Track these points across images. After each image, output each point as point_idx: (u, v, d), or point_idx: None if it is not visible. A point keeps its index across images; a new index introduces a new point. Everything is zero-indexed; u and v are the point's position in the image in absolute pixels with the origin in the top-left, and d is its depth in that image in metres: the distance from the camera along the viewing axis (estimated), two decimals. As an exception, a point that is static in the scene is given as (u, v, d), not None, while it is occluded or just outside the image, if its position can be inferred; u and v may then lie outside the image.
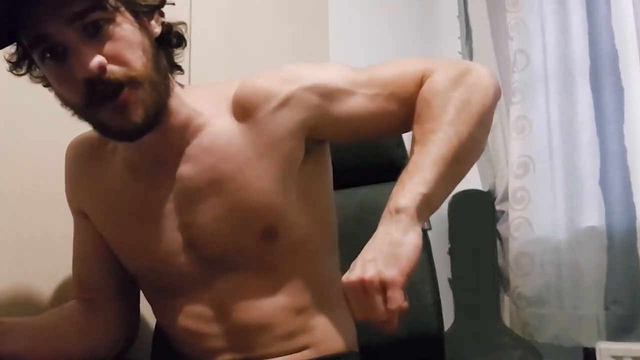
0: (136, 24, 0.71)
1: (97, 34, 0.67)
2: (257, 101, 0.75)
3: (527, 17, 1.82)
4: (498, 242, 1.85)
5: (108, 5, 0.67)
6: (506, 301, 1.82)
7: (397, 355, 0.97)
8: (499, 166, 1.88)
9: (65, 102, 0.72)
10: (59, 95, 0.72)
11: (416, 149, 0.71)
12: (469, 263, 1.81)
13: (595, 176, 1.65)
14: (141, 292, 0.91)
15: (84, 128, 1.41)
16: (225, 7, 1.54)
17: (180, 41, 0.78)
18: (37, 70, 0.73)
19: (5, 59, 0.74)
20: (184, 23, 0.79)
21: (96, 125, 0.72)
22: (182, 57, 0.79)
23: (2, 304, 1.23)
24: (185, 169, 0.77)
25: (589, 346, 1.62)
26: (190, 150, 0.77)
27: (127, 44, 0.69)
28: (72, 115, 0.73)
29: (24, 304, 1.25)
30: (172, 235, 0.78)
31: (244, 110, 0.76)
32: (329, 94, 0.76)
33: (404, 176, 0.69)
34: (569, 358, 1.70)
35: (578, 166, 1.68)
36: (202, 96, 0.80)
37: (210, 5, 1.50)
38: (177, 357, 0.86)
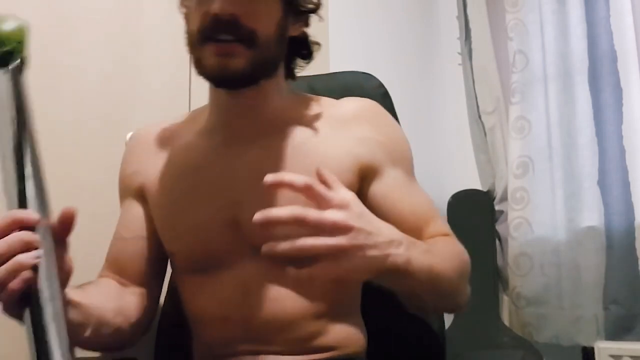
0: (281, 10, 0.77)
1: None
2: (363, 118, 0.83)
3: (527, 18, 1.82)
4: (497, 242, 1.85)
5: None
6: (505, 301, 1.83)
7: (398, 355, 0.97)
8: (499, 166, 1.88)
9: (187, 27, 0.79)
10: (186, 19, 0.80)
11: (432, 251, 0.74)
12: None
13: (594, 176, 1.66)
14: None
15: (85, 129, 1.40)
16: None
17: (305, 56, 0.86)
18: None
19: None
20: (319, 44, 0.87)
21: (195, 60, 0.77)
22: (302, 70, 0.88)
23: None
24: (261, 152, 0.81)
25: (587, 345, 1.63)
26: (273, 138, 0.82)
27: (265, 12, 0.76)
28: (186, 45, 0.80)
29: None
30: (224, 210, 0.80)
31: (351, 119, 0.83)
32: (394, 162, 0.83)
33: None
34: (568, 357, 1.70)
35: (577, 166, 1.69)
36: (306, 99, 0.88)
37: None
38: (180, 356, 0.86)
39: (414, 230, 0.78)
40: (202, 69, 0.77)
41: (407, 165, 0.85)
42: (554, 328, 1.68)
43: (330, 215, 0.59)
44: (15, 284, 0.54)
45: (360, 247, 0.60)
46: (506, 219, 1.80)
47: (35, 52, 1.31)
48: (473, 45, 1.97)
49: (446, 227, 0.84)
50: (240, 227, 0.78)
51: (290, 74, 0.86)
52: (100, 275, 0.86)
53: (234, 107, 0.82)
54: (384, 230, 0.65)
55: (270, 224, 0.59)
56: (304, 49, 0.85)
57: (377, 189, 0.81)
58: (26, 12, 1.30)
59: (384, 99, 1.06)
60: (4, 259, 0.55)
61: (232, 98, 0.81)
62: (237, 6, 0.73)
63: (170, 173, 0.85)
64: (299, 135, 0.82)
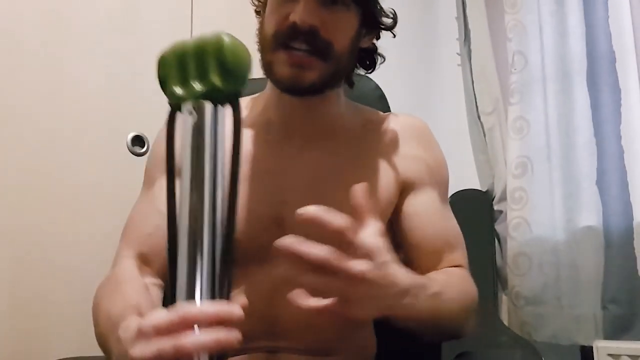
0: (357, 25, 0.79)
1: (330, 4, 0.74)
2: (414, 137, 0.85)
3: (525, 19, 1.83)
4: (496, 241, 1.86)
5: None
6: (504, 300, 1.83)
7: (397, 354, 0.98)
8: (497, 166, 1.89)
9: (261, 29, 0.79)
10: (263, 22, 0.79)
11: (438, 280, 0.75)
12: (468, 262, 1.81)
13: (593, 176, 1.67)
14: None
15: (86, 130, 1.41)
16: (225, 8, 1.55)
17: (369, 66, 0.87)
18: None
19: None
20: (383, 56, 0.88)
21: (266, 63, 0.77)
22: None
23: (2, 300, 1.23)
24: (315, 156, 0.82)
25: (586, 345, 1.64)
26: (328, 144, 0.83)
27: (343, 27, 0.76)
28: (256, 42, 0.79)
29: (25, 302, 1.25)
30: (271, 207, 0.80)
31: (402, 135, 0.85)
32: (433, 184, 0.85)
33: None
34: (566, 356, 1.71)
35: (576, 166, 1.70)
36: (362, 110, 0.90)
37: (210, 5, 1.51)
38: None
39: (433, 253, 0.81)
40: (272, 74, 0.77)
41: (443, 190, 0.88)
42: (552, 327, 1.68)
43: (351, 266, 0.58)
44: None
45: (370, 297, 0.61)
46: (505, 219, 1.81)
47: (36, 55, 1.32)
48: (472, 46, 1.98)
49: (464, 259, 0.86)
50: (284, 226, 0.78)
51: (348, 81, 0.87)
52: (122, 256, 0.81)
53: (295, 109, 0.83)
54: (399, 281, 0.64)
55: (298, 253, 0.58)
56: (369, 59, 0.86)
57: (411, 204, 0.83)
58: (27, 16, 1.31)
59: (381, 100, 1.07)
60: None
61: (295, 101, 0.81)
62: (318, 18, 0.73)
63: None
64: (352, 145, 0.84)
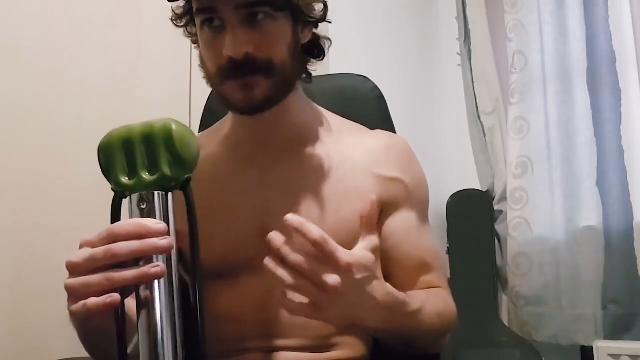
0: (290, 27, 0.79)
1: (255, 24, 0.75)
2: (394, 158, 0.86)
3: (526, 19, 1.83)
4: (496, 241, 1.86)
5: (277, 6, 0.76)
6: (504, 300, 1.83)
7: (395, 354, 0.98)
8: (498, 166, 1.89)
9: (203, 65, 0.81)
10: (202, 58, 0.81)
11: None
12: (468, 262, 1.82)
13: (593, 176, 1.67)
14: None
15: (86, 133, 1.41)
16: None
17: (319, 53, 0.87)
18: (193, 28, 0.82)
19: (172, 9, 0.83)
20: (328, 39, 0.88)
21: (219, 95, 0.79)
22: (316, 66, 0.88)
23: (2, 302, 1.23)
24: (291, 165, 0.83)
25: (586, 345, 1.64)
26: (302, 153, 0.84)
27: (276, 39, 0.77)
28: (203, 78, 0.82)
29: (24, 302, 1.25)
30: (255, 218, 0.82)
31: (382, 155, 0.85)
32: (412, 204, 0.85)
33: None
34: (566, 357, 1.71)
35: (576, 167, 1.70)
36: (336, 120, 0.90)
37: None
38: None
39: (409, 273, 0.82)
40: (227, 103, 0.79)
41: (422, 209, 0.87)
42: (552, 327, 1.69)
43: (324, 278, 0.61)
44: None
45: (341, 307, 0.63)
46: (505, 219, 1.81)
47: (36, 55, 1.32)
48: (472, 46, 1.98)
49: (442, 280, 0.86)
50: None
51: (307, 77, 0.87)
52: None
53: (259, 125, 0.84)
54: (378, 297, 0.66)
55: (280, 252, 0.61)
56: (315, 49, 0.86)
57: (390, 224, 0.83)
58: (30, 20, 1.31)
59: (379, 101, 1.07)
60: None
61: (258, 118, 0.82)
62: (248, 44, 0.74)
63: (198, 182, 0.85)
64: (329, 156, 0.84)
